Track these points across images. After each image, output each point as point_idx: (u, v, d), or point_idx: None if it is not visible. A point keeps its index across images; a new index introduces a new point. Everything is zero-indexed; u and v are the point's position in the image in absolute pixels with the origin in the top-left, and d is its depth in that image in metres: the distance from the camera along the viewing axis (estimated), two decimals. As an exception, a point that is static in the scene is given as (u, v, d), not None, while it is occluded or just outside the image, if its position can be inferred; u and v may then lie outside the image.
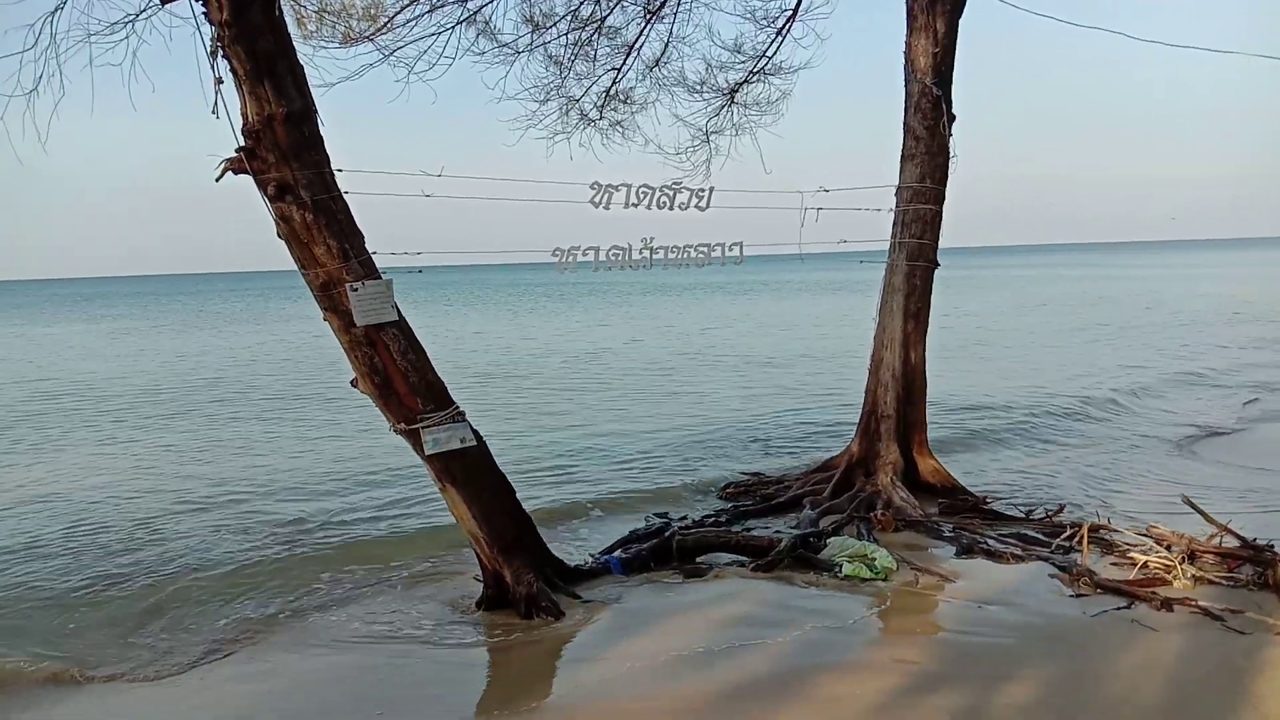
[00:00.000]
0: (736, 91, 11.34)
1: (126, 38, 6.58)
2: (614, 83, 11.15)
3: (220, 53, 5.92)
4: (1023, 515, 9.05)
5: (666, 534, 8.16)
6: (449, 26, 9.62)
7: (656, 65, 11.14)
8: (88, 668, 6.39)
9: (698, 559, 7.90)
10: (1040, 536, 8.19)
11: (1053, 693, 5.34)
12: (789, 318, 41.66)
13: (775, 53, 11.06)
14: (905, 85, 9.70)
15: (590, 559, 7.92)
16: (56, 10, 6.31)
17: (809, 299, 56.26)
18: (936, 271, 9.89)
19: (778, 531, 8.43)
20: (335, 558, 8.64)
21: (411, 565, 8.28)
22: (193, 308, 73.08)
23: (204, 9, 5.89)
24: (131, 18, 6.49)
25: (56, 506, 10.92)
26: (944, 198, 9.75)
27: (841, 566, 7.45)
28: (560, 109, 11.02)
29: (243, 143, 5.97)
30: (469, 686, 5.99)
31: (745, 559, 7.85)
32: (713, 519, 9.09)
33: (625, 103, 11.34)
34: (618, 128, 11.39)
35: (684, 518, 9.31)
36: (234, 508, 10.63)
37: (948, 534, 8.42)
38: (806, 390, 18.80)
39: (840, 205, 9.14)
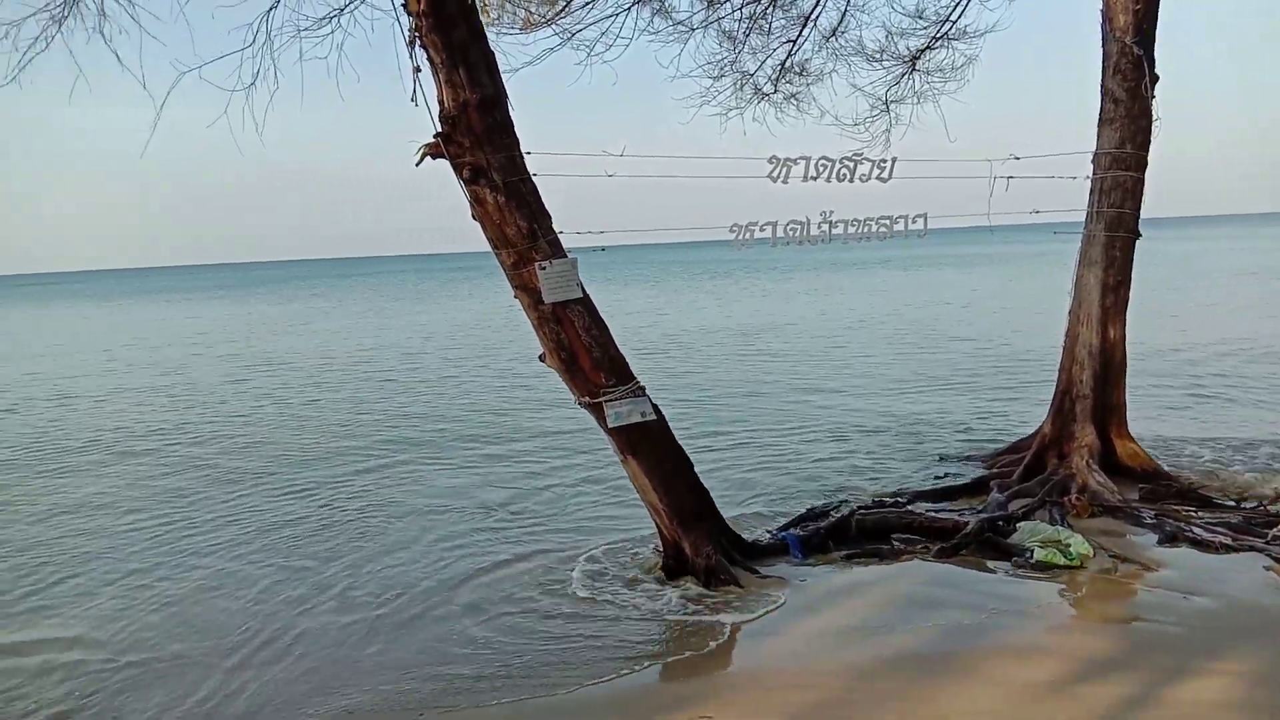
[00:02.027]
0: (918, 58, 10.95)
1: (332, 32, 7.04)
2: (789, 55, 11.00)
3: (418, 42, 6.23)
4: (1233, 503, 8.42)
5: (846, 513, 8.07)
6: (626, 7, 9.75)
7: (833, 35, 10.91)
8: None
9: (878, 540, 7.78)
10: (1254, 526, 7.60)
11: (1259, 688, 4.99)
12: (974, 292, 39.98)
13: (959, 16, 10.61)
14: (1103, 45, 9.12)
15: (767, 535, 7.93)
16: (271, 9, 6.82)
17: (997, 272, 53.77)
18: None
19: (963, 514, 8.18)
20: (521, 528, 8.97)
21: (595, 534, 8.50)
22: (401, 287, 77.12)
23: (403, 1, 6.21)
24: (337, 12, 6.94)
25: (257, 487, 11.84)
26: (1145, 164, 9.14)
27: (1032, 552, 7.16)
28: (734, 84, 10.99)
29: (440, 129, 6.26)
30: (653, 654, 6.12)
31: (928, 541, 7.67)
32: (893, 500, 8.90)
33: (801, 75, 11.17)
34: (792, 101, 11.24)
35: (859, 498, 9.18)
36: (425, 479, 11.23)
37: (1149, 521, 7.94)
38: (995, 367, 18.04)
39: (1032, 173, 8.73)
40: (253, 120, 6.72)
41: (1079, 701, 4.98)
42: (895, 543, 7.74)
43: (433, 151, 6.33)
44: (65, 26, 6.72)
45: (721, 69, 10.87)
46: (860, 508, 8.32)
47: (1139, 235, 9.27)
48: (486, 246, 6.79)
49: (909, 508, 8.47)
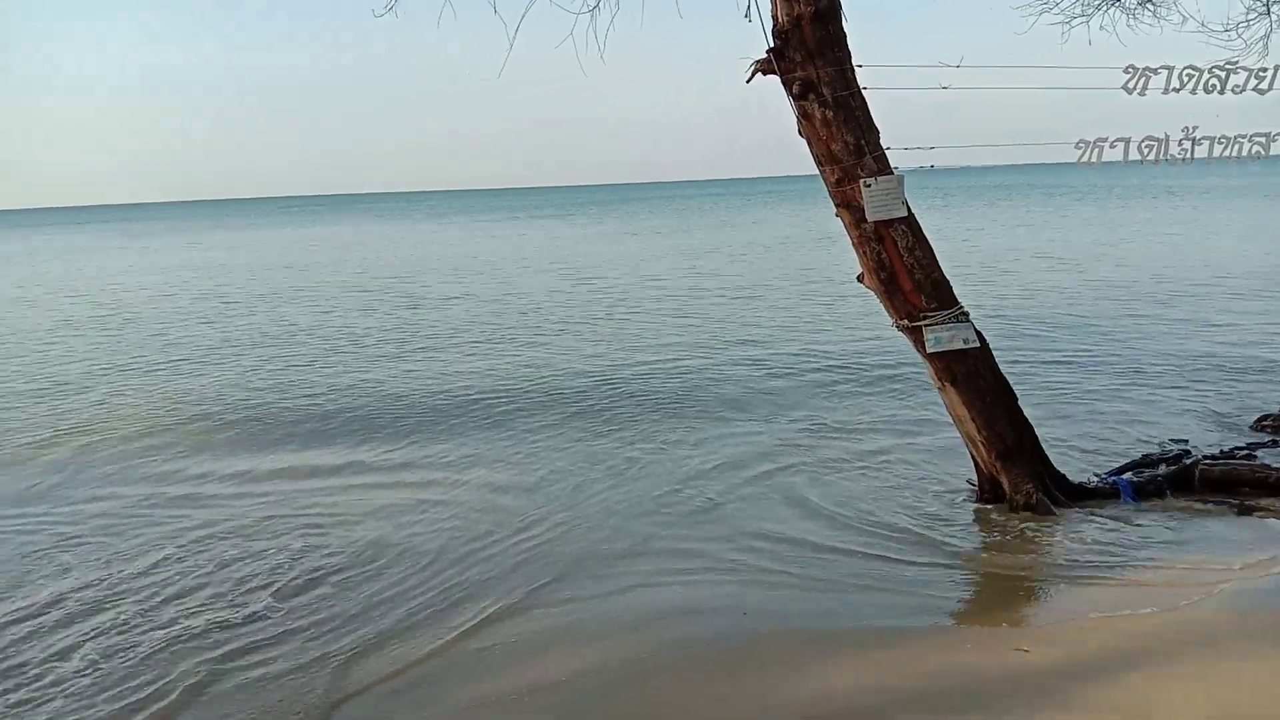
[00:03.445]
0: (1314, -52, 9.41)
1: (669, -47, 7.21)
2: (1149, -46, 9.83)
3: (753, -43, 6.23)
4: None
5: (1188, 461, 7.37)
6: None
7: (1206, -74, 9.61)
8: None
9: (1224, 492, 7.05)
10: None
11: None
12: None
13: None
14: None
15: (1096, 478, 7.41)
16: (612, -67, 7.10)
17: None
18: None
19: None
20: (834, 446, 8.95)
21: (906, 464, 8.33)
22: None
23: (738, -83, 6.22)
24: (673, -67, 7.08)
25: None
26: None
27: None
28: (1082, -12, 10.00)
29: (772, 43, 6.26)
30: (974, 593, 6.02)
31: (1286, 499, 6.85)
32: (1244, 452, 8.00)
33: (1161, -24, 9.97)
34: (1147, 6, 10.06)
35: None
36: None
37: None
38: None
39: None
40: (595, 42, 7.09)
41: None
42: (1244, 498, 6.98)
43: (764, 68, 6.35)
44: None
45: (1066, -28, 9.95)
46: (1206, 457, 7.57)
47: None
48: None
49: (1264, 461, 7.59)
